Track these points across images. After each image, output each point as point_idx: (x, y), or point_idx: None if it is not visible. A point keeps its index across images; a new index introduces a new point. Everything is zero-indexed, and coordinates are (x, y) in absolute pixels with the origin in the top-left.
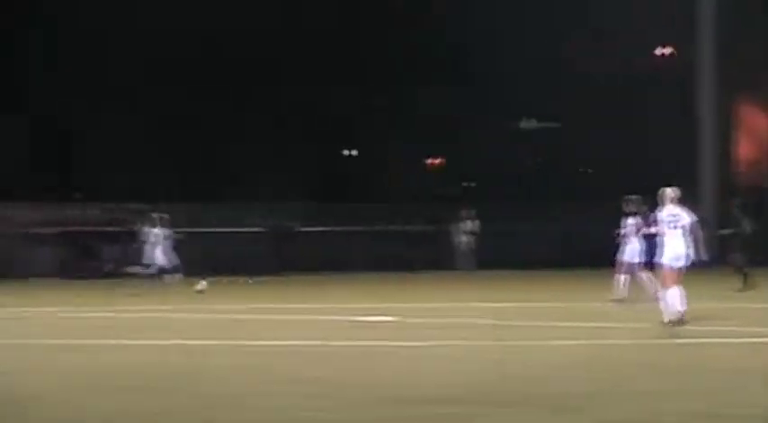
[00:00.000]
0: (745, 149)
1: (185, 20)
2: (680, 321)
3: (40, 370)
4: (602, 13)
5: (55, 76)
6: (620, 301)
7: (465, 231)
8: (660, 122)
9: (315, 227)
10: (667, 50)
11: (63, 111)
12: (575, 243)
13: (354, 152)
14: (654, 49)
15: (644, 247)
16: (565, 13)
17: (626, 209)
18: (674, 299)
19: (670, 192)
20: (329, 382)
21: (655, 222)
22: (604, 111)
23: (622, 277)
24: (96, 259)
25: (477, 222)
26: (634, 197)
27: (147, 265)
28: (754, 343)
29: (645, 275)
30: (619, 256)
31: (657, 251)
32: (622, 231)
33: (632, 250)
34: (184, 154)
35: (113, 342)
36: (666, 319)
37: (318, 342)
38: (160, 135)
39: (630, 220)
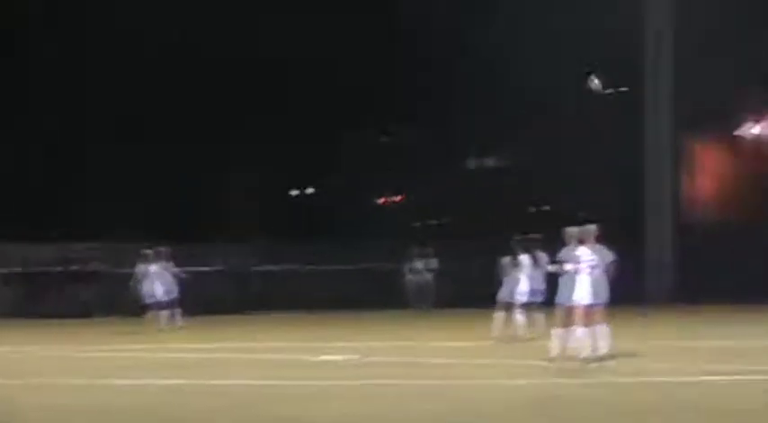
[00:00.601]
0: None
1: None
2: (585, 359)
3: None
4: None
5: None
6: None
7: (414, 270)
8: (612, 160)
9: (272, 265)
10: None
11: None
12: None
13: (310, 190)
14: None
15: (531, 287)
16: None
17: (516, 249)
18: (584, 337)
19: (575, 231)
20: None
21: (568, 261)
22: (561, 148)
23: (502, 314)
24: (54, 299)
25: (433, 260)
26: (519, 238)
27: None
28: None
29: (522, 316)
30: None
31: (561, 290)
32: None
33: (516, 289)
34: (148, 192)
35: (89, 382)
36: (582, 355)
37: (283, 382)
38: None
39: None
